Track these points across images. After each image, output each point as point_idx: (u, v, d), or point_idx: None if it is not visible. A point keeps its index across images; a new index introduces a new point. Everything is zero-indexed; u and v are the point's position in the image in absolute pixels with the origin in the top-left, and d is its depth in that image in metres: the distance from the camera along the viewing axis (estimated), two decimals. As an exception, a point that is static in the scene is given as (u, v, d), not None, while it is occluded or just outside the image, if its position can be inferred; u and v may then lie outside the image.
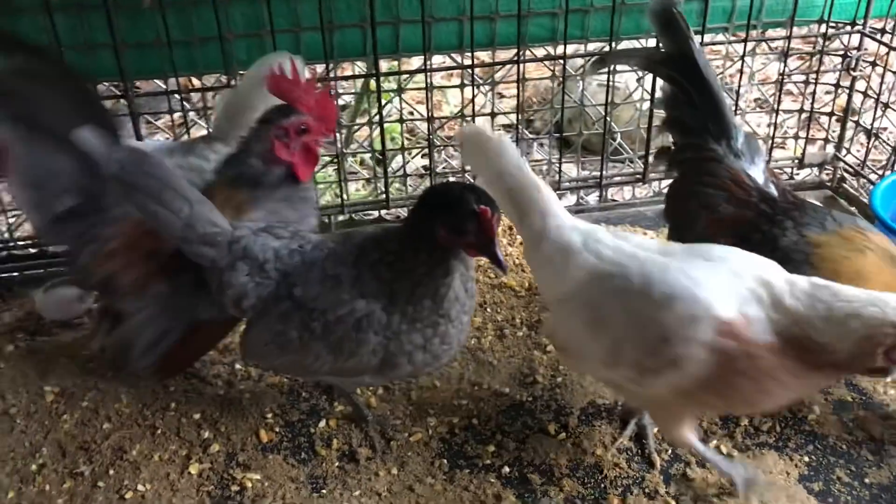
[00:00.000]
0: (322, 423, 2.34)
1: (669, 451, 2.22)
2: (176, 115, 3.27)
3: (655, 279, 1.82)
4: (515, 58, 3.04)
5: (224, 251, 2.03)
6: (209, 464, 2.22)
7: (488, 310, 2.79)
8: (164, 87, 2.98)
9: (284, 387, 2.46)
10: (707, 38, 3.02)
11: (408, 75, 3.11)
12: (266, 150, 2.23)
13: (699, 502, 2.07)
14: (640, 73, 3.21)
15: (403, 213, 3.24)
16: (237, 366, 2.54)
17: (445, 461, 2.22)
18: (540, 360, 2.55)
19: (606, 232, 2.02)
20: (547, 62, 3.16)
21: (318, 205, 2.65)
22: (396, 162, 3.60)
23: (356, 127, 3.67)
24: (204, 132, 3.03)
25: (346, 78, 3.29)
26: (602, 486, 2.13)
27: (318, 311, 1.97)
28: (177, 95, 2.97)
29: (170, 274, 2.19)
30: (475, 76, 3.09)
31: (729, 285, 1.76)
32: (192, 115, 3.16)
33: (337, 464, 2.22)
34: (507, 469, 2.19)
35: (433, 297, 1.91)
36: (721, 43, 3.24)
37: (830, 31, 3.20)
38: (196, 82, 3.19)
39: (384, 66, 3.15)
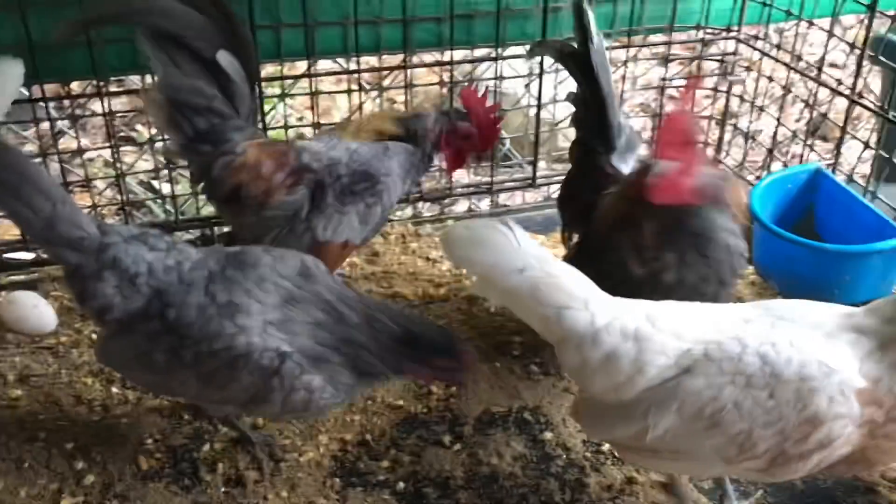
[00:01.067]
0: (206, 447, 2.21)
1: (564, 457, 2.21)
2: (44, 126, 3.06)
3: (782, 357, 1.62)
4: (403, 63, 2.99)
5: (91, 258, 1.88)
6: (83, 496, 2.06)
7: (381, 320, 2.72)
8: (27, 94, 2.78)
9: (165, 410, 2.33)
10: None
11: (292, 80, 3.02)
12: (438, 135, 2.51)
13: (594, 507, 2.07)
14: (528, 80, 3.23)
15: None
16: (114, 389, 2.39)
17: (338, 480, 2.14)
18: (434, 370, 2.50)
19: (661, 306, 1.77)
20: (435, 67, 3.14)
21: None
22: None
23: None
24: (74, 144, 2.87)
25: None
26: (498, 496, 2.10)
27: (191, 340, 1.85)
28: (43, 103, 2.78)
29: (290, 188, 2.35)
30: (363, 81, 3.03)
31: (840, 347, 1.63)
32: (62, 124, 2.98)
33: (223, 489, 2.11)
34: (401, 484, 2.13)
35: None
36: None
37: (708, 37, 3.30)
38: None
39: (270, 69, 3.06)
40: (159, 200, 3.36)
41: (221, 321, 1.84)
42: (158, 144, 2.96)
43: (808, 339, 1.63)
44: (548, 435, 2.27)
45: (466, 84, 3.05)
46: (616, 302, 1.75)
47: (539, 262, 1.72)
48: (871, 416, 1.57)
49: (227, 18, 2.30)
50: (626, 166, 2.37)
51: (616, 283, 1.84)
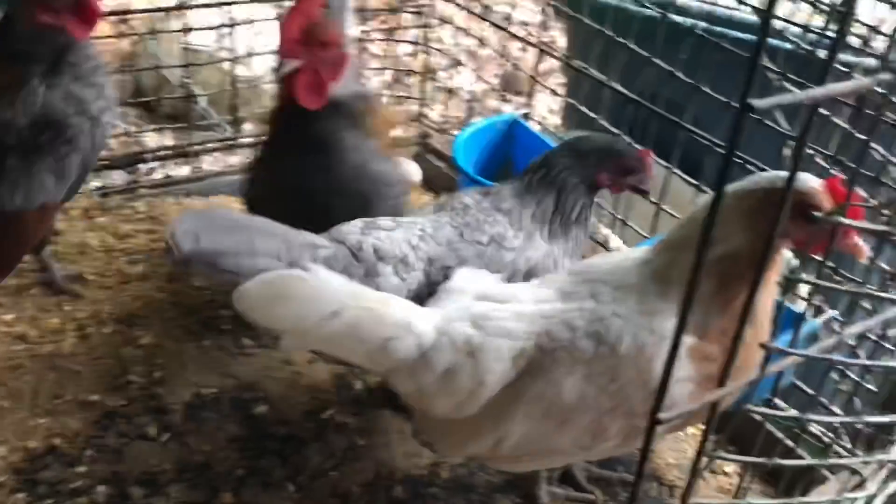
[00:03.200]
0: None
1: (284, 432, 2.09)
2: None
3: (613, 333, 1.54)
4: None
5: (354, 266, 1.77)
6: None
7: (67, 307, 2.39)
8: None
9: None
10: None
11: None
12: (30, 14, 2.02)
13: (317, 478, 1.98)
14: (224, 34, 3.00)
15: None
16: None
17: (22, 495, 1.85)
18: (133, 356, 2.24)
19: (477, 300, 1.66)
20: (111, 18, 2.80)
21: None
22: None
23: None
24: None
25: None
26: (214, 484, 1.94)
27: None
28: None
29: None
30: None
31: (653, 303, 1.57)
32: None
33: None
34: (101, 488, 1.89)
35: (585, 226, 2.03)
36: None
37: (404, -10, 3.29)
38: None
39: None
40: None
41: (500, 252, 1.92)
42: None
43: (632, 306, 1.58)
44: (264, 411, 2.13)
45: (152, 38, 2.77)
46: (440, 313, 1.63)
47: (351, 298, 1.55)
48: (706, 370, 1.53)
49: None
50: None
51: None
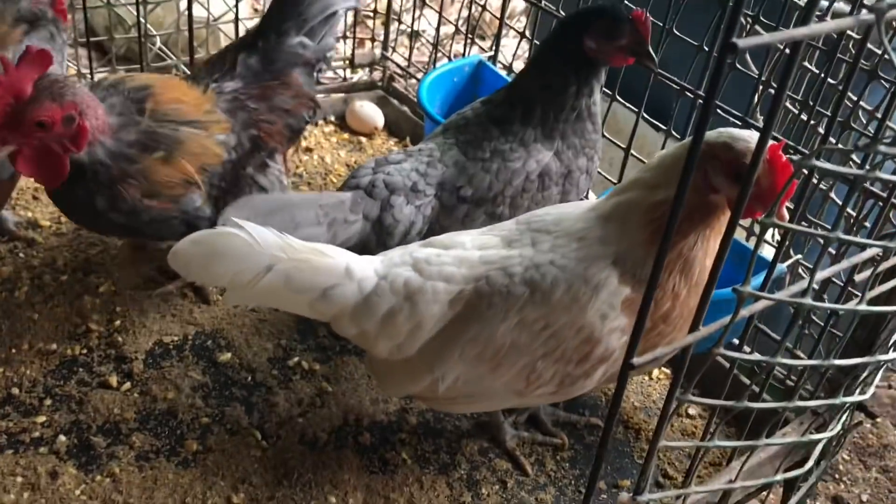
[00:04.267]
0: None
1: (249, 378, 2.06)
2: None
3: (547, 281, 1.55)
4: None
5: (370, 204, 1.89)
6: None
7: (21, 255, 2.32)
8: None
9: None
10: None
11: None
12: None
13: (283, 427, 1.96)
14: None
15: None
16: None
17: (-20, 446, 1.81)
18: (92, 304, 2.18)
19: (423, 247, 1.67)
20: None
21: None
22: None
23: None
24: None
25: None
26: (179, 431, 1.91)
27: (498, 195, 1.94)
28: None
29: None
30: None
31: (595, 251, 1.57)
32: None
33: None
34: (62, 438, 1.86)
35: (591, 119, 1.99)
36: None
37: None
38: None
39: None
40: None
41: (508, 164, 1.96)
42: None
43: (569, 253, 1.59)
44: (228, 358, 2.10)
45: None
46: (379, 258, 1.65)
47: (284, 251, 1.54)
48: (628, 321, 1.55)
49: None
50: None
51: None
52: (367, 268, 1.63)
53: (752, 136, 1.46)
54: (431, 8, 3.27)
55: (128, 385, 2.00)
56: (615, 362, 1.60)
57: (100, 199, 1.87)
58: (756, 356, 1.15)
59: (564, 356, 1.59)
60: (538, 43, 2.21)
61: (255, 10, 3.72)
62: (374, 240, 1.91)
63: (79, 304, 2.19)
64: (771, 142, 1.46)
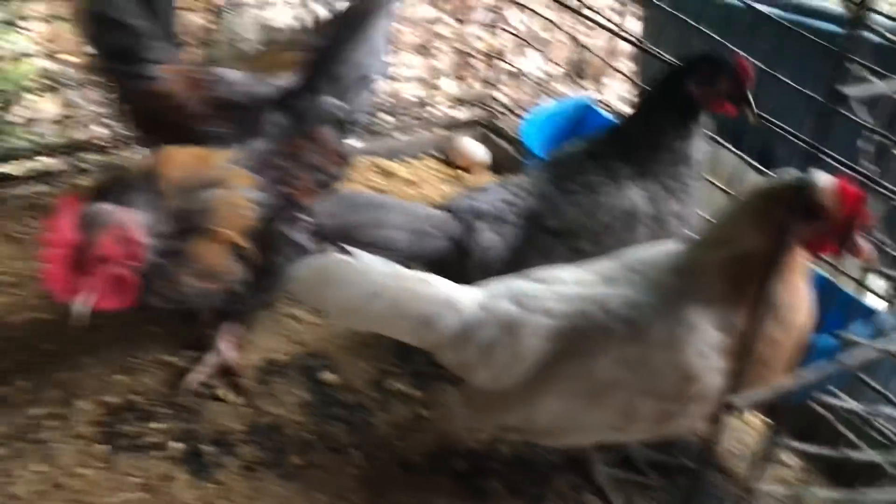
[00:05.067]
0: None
1: (350, 399, 2.15)
2: None
3: (645, 319, 1.60)
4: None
5: (454, 225, 1.96)
6: None
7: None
8: None
9: None
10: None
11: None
12: None
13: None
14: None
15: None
16: None
17: (102, 447, 1.94)
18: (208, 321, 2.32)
19: (523, 280, 1.73)
20: None
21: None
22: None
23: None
24: None
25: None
26: (281, 445, 2.01)
27: (582, 229, 1.97)
28: None
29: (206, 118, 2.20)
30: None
31: (688, 295, 1.62)
32: None
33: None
34: (176, 445, 1.97)
35: (687, 163, 1.99)
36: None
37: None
38: None
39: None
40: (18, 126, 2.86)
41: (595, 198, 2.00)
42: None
43: (665, 294, 1.63)
44: (332, 378, 2.20)
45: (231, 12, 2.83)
46: (481, 290, 1.71)
47: (392, 279, 1.64)
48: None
49: None
50: None
51: None
52: (469, 298, 1.69)
53: (820, 175, 1.48)
54: (537, 50, 3.35)
55: (237, 399, 2.12)
56: (710, 401, 1.61)
57: (155, 298, 1.87)
58: (858, 405, 1.15)
59: (661, 393, 1.61)
60: (643, 86, 2.24)
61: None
62: (454, 260, 1.97)
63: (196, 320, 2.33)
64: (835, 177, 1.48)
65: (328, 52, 2.18)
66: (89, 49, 2.28)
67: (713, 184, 2.43)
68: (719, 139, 2.42)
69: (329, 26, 2.29)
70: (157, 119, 2.20)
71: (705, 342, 1.57)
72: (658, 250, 1.76)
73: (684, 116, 1.98)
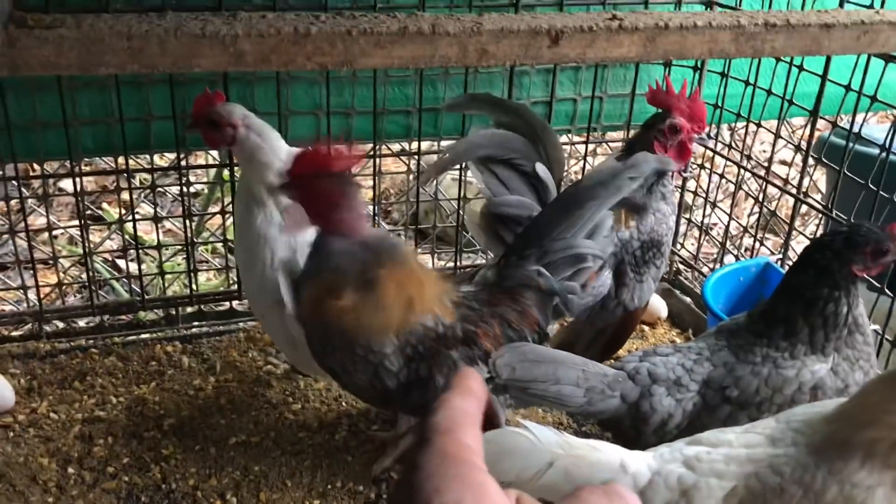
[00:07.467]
0: (162, 531, 2.20)
1: None
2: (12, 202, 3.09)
3: (818, 482, 1.63)
4: (372, 152, 3.09)
5: (630, 386, 2.00)
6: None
7: (344, 404, 2.74)
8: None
9: (122, 491, 2.30)
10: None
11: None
12: (647, 151, 2.43)
13: None
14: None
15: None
16: (69, 469, 2.36)
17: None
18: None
19: (690, 444, 1.78)
20: (402, 157, 3.25)
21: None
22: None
23: (208, 216, 3.61)
24: (40, 220, 2.88)
25: (199, 167, 3.25)
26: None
27: (765, 401, 1.99)
28: (14, 182, 2.82)
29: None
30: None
31: (851, 455, 1.63)
32: (31, 202, 3.01)
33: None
34: None
35: (860, 330, 2.02)
36: (565, 143, 3.43)
37: (663, 135, 3.45)
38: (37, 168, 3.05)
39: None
40: (124, 280, 3.37)
41: (778, 371, 2.02)
42: (127, 225, 3.01)
43: (831, 456, 1.63)
44: None
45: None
46: (653, 455, 1.76)
47: (563, 448, 1.71)
48: None
49: (542, 129, 2.40)
50: None
51: None
52: (641, 463, 1.73)
53: None
54: (721, 210, 3.43)
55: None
56: None
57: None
58: None
59: None
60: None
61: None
62: (627, 422, 2.01)
63: (383, 451, 2.52)
64: None
65: (541, 225, 2.25)
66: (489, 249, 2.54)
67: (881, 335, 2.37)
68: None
69: (554, 202, 2.37)
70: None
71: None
72: (817, 410, 1.76)
73: (847, 289, 2.00)
